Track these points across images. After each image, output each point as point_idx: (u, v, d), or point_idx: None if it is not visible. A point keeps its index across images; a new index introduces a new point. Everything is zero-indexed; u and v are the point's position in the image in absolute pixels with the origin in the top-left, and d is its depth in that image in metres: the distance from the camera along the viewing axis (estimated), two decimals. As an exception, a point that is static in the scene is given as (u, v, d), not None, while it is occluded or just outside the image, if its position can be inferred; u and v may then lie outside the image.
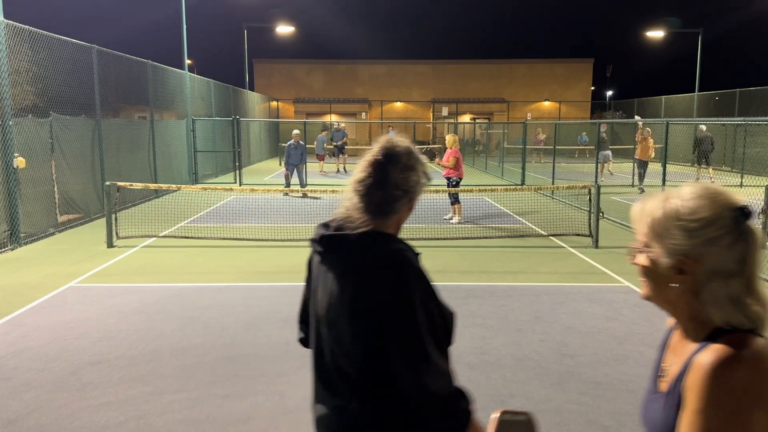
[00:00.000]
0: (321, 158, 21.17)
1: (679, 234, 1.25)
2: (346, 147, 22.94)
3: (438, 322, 1.60)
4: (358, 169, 1.71)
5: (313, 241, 1.70)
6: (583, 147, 28.09)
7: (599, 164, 16.25)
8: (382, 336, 1.54)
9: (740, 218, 1.21)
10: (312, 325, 1.76)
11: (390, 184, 1.65)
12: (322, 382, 1.70)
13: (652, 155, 16.22)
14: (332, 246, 1.64)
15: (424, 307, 1.56)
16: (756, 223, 9.45)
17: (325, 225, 1.73)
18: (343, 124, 24.01)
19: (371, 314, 1.55)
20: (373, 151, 1.70)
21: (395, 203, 1.67)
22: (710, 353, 1.19)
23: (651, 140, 16.15)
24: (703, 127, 18.41)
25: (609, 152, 18.22)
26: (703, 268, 1.23)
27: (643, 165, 16.23)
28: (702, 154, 18.00)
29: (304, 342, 1.89)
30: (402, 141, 1.72)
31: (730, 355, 1.17)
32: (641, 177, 16.27)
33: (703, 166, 18.18)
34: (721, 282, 1.22)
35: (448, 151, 11.15)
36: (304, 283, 1.86)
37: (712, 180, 17.86)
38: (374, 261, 1.59)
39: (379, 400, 1.58)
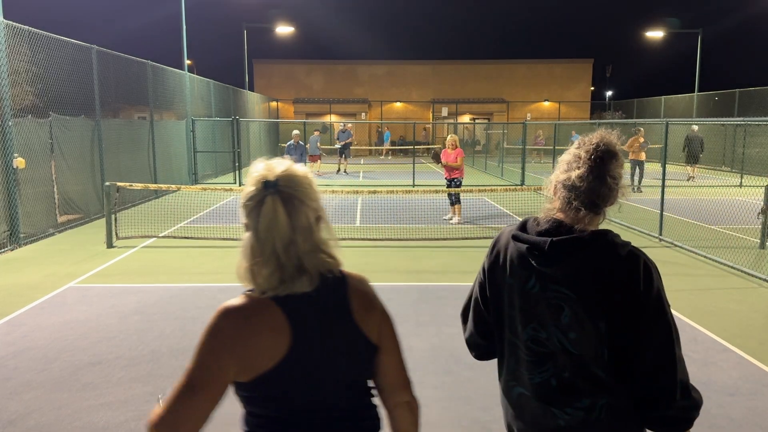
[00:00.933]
0: (314, 159, 20.63)
1: None
2: (350, 148, 22.78)
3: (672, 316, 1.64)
4: (568, 166, 1.68)
5: (534, 247, 1.64)
6: None
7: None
8: (634, 330, 1.57)
9: (263, 190, 1.42)
10: (510, 334, 1.74)
11: (610, 177, 1.64)
12: (547, 389, 1.67)
13: (642, 156, 16.19)
14: (565, 250, 1.60)
15: (667, 302, 1.61)
16: (757, 221, 9.45)
17: (522, 227, 1.71)
18: (349, 125, 23.81)
19: (622, 311, 1.57)
20: (586, 147, 1.67)
21: (612, 197, 1.66)
22: None
23: (641, 138, 16.14)
24: (695, 128, 18.68)
25: None
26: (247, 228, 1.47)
27: (635, 165, 16.20)
28: (691, 153, 18.42)
29: (485, 355, 1.91)
30: (612, 136, 1.71)
31: (220, 307, 1.45)
32: (632, 177, 16.23)
33: (691, 164, 18.84)
34: (248, 243, 1.44)
35: (452, 152, 11.10)
36: (478, 295, 1.85)
37: (693, 177, 18.38)
38: (614, 259, 1.59)
39: (627, 393, 1.62)
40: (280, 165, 1.47)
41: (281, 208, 1.41)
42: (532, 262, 1.65)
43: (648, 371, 1.57)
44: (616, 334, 1.58)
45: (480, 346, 1.90)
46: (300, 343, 1.41)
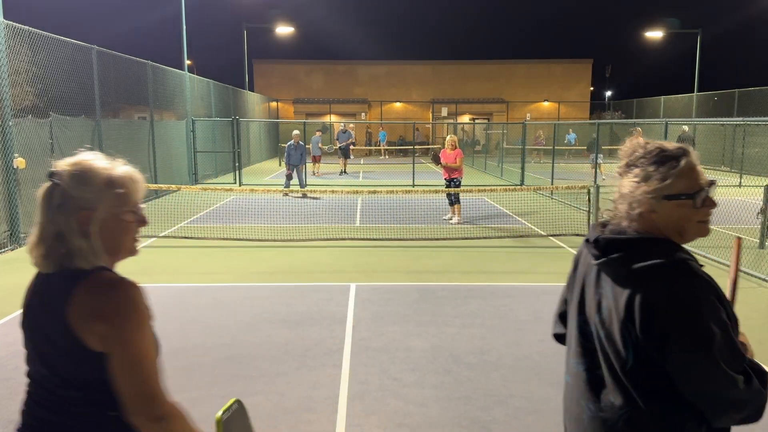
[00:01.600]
0: (316, 160, 20.70)
1: None
2: (351, 149, 22.74)
3: (722, 334, 1.52)
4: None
5: (588, 241, 1.71)
6: (574, 148, 26.02)
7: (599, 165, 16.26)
8: (663, 338, 1.51)
9: (48, 177, 1.54)
10: (570, 323, 1.81)
11: (626, 186, 1.69)
12: (581, 380, 1.71)
13: None
14: (607, 248, 1.63)
15: (709, 316, 1.51)
16: (757, 221, 9.45)
17: (603, 224, 1.75)
18: (351, 125, 23.76)
19: (650, 318, 1.52)
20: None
21: (618, 208, 1.69)
22: None
23: (640, 138, 16.21)
24: (686, 128, 18.94)
25: None
26: None
27: None
28: None
29: (560, 338, 1.97)
30: (647, 141, 1.79)
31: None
32: None
33: None
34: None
35: (451, 152, 11.10)
36: (567, 282, 1.92)
37: None
38: (651, 266, 1.56)
39: (652, 409, 1.57)
40: (73, 159, 1.60)
41: (47, 195, 1.55)
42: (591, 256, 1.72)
43: (691, 387, 1.51)
44: (645, 340, 1.53)
45: (558, 327, 2.00)
46: (24, 318, 1.67)
